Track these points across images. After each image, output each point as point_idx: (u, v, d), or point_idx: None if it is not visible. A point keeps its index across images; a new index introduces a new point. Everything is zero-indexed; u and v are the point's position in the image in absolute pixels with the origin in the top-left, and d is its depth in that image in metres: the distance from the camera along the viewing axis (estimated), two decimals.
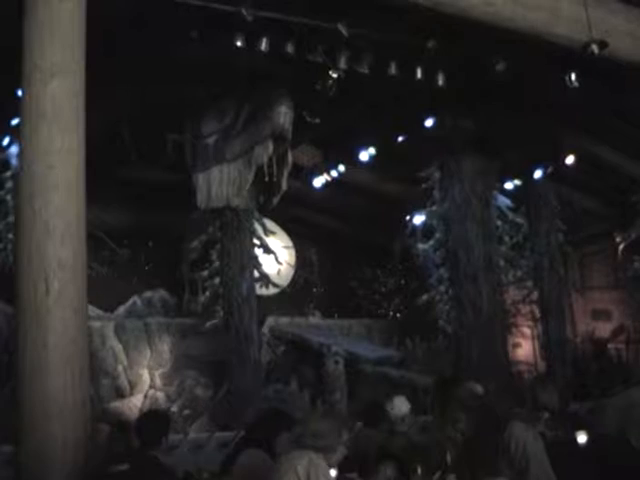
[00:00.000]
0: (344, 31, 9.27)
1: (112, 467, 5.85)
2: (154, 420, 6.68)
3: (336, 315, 18.67)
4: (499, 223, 14.80)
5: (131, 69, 10.49)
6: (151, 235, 16.90)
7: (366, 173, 15.81)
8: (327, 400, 14.42)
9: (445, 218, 14.30)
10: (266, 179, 13.09)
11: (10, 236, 12.48)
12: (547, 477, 5.11)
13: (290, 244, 18.62)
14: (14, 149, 12.11)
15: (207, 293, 14.90)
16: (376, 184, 16.44)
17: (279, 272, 16.70)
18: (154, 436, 6.27)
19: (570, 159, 14.22)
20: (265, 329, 16.23)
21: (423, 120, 13.23)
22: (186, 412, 14.41)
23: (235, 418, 12.61)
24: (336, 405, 14.23)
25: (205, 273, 14.97)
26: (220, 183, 13.13)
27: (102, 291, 14.45)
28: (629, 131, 12.69)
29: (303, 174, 15.43)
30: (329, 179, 15.65)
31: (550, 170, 14.71)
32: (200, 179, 13.22)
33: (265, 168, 12.79)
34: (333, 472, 5.24)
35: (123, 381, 14.73)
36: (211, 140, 13.15)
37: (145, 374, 15.00)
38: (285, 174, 13.14)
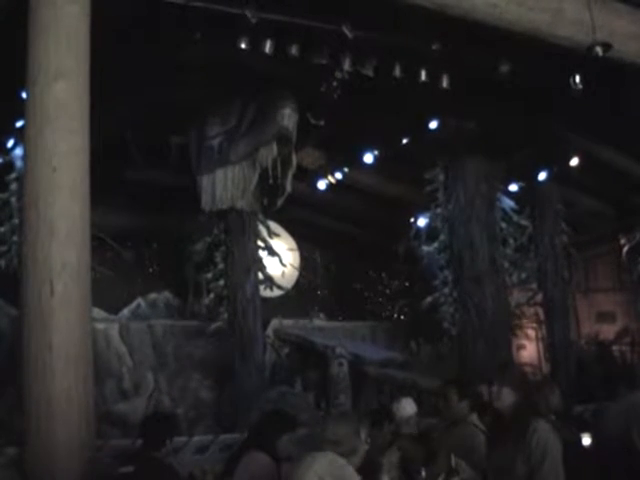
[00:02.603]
0: (348, 33, 9.28)
1: (117, 469, 5.87)
2: (159, 422, 6.69)
3: (340, 317, 18.66)
4: (503, 225, 14.76)
5: (135, 71, 10.50)
6: (155, 237, 16.92)
7: (370, 175, 15.81)
8: (332, 402, 14.40)
9: (449, 220, 14.30)
10: (270, 181, 13.11)
11: (15, 238, 12.48)
12: (556, 478, 5.14)
13: (294, 246, 18.61)
14: (18, 151, 12.11)
15: (211, 295, 14.86)
16: (380, 186, 16.45)
17: (283, 274, 16.66)
18: (159, 438, 6.28)
19: (574, 161, 14.21)
20: (269, 331, 16.22)
21: (427, 122, 13.24)
22: (190, 414, 14.40)
23: (239, 420, 12.62)
24: (340, 407, 14.21)
25: (209, 275, 14.93)
26: (224, 185, 13.13)
27: (106, 293, 14.44)
28: (633, 133, 12.67)
29: (307, 176, 15.43)
30: (333, 181, 15.65)
31: (554, 172, 14.71)
32: (204, 181, 13.22)
33: (269, 170, 12.81)
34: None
35: (127, 383, 14.69)
36: (215, 142, 13.16)
37: (149, 376, 14.96)
38: (289, 176, 13.15)
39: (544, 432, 5.22)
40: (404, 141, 13.86)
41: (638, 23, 9.32)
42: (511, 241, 15.01)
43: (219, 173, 13.12)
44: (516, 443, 5.23)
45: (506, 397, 5.46)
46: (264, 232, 15.12)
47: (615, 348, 16.56)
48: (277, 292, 16.32)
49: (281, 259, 15.97)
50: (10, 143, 12.52)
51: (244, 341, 13.94)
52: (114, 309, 16.06)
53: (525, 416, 5.33)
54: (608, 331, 17.18)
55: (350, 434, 5.12)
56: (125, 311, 16.41)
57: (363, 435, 5.23)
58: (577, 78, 9.46)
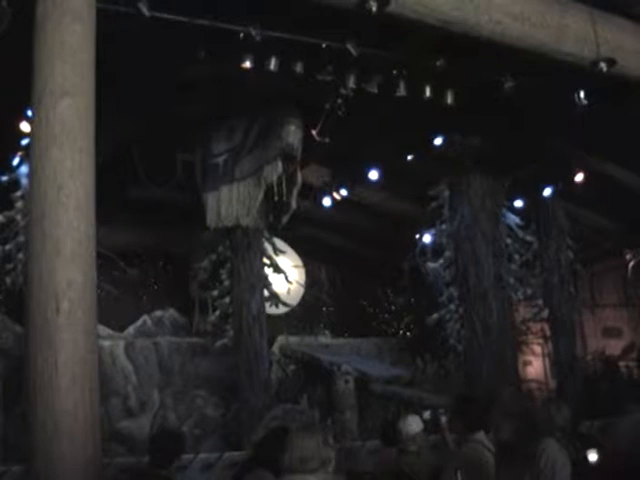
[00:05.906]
0: (353, 50, 9.29)
1: None
2: (166, 440, 6.68)
3: (346, 334, 18.63)
4: (509, 241, 14.77)
5: (139, 89, 10.53)
6: (161, 255, 16.93)
7: (375, 192, 15.81)
8: (337, 419, 14.37)
9: (454, 236, 14.31)
10: (275, 198, 13.09)
11: (20, 256, 12.50)
12: None
13: (300, 263, 18.60)
14: (24, 169, 12.14)
15: (217, 312, 14.84)
16: (385, 203, 16.44)
17: (289, 291, 16.67)
18: (166, 456, 6.27)
19: (579, 177, 14.20)
20: (275, 348, 16.21)
21: (432, 139, 13.24)
22: (196, 431, 14.37)
23: (245, 437, 12.59)
24: (346, 424, 14.19)
25: (215, 292, 14.92)
26: (230, 202, 13.14)
27: (112, 311, 14.48)
28: (638, 148, 12.66)
29: (312, 193, 15.42)
30: (338, 198, 15.64)
31: (560, 188, 14.71)
32: (210, 198, 13.23)
33: (274, 187, 12.79)
34: None
35: (133, 401, 14.69)
36: (220, 159, 13.18)
37: (155, 394, 14.96)
38: (294, 193, 13.14)
39: (553, 451, 5.21)
40: (409, 158, 13.86)
41: None
42: (516, 257, 15.01)
43: (224, 190, 13.13)
44: (525, 462, 5.21)
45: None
46: (269, 249, 15.13)
47: (622, 364, 16.51)
48: (283, 309, 16.30)
49: (286, 276, 15.98)
50: (16, 161, 12.56)
51: (250, 358, 13.92)
52: (120, 327, 16.06)
53: (532, 436, 5.31)
54: (614, 347, 17.13)
55: (318, 447, 5.03)
56: (131, 329, 16.40)
57: (332, 448, 5.15)
58: (582, 94, 9.49)
